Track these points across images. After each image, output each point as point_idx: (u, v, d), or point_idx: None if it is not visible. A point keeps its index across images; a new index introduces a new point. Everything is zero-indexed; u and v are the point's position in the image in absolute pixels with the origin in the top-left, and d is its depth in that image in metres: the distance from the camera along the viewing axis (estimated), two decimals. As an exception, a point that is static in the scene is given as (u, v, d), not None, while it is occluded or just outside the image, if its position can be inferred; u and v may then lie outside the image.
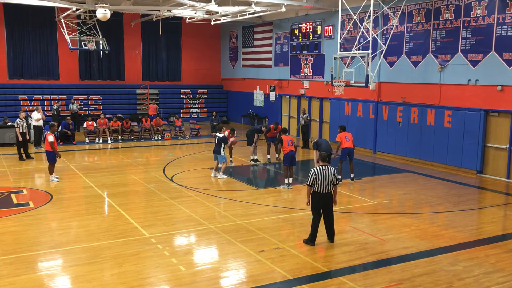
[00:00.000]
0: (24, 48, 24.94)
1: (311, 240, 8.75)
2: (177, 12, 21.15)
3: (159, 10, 21.45)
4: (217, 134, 14.42)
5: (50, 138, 13.46)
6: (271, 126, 16.97)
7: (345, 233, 9.51)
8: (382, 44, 16.89)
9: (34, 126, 19.25)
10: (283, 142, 13.64)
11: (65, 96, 25.51)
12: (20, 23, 24.54)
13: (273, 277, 7.37)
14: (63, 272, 7.66)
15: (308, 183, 8.65)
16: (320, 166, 8.66)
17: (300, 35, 22.67)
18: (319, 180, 8.52)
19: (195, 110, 29.41)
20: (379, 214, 10.87)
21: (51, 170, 13.69)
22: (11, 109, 24.13)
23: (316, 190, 8.60)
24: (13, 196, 12.00)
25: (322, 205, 8.70)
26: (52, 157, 13.56)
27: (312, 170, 8.58)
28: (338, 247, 8.72)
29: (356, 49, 16.33)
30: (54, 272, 7.65)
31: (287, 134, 14.49)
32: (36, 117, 18.96)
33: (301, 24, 22.52)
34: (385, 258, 8.21)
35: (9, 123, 20.01)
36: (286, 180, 13.29)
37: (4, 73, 24.68)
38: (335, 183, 8.70)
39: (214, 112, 25.30)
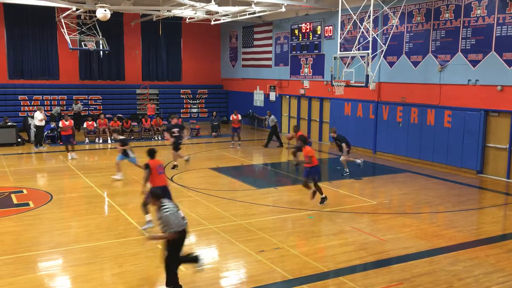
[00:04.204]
0: (24, 48, 24.93)
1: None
2: (177, 12, 21.14)
3: (159, 10, 21.44)
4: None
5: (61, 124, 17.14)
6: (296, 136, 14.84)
7: (345, 233, 9.51)
8: (382, 44, 16.90)
9: (36, 126, 19.25)
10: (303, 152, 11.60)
11: (65, 96, 25.51)
12: (20, 23, 24.53)
13: (273, 277, 7.37)
14: (63, 272, 7.66)
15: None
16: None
17: (300, 35, 22.66)
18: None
19: (195, 110, 29.40)
20: (379, 214, 10.87)
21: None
22: (11, 109, 24.13)
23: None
24: (13, 196, 11.99)
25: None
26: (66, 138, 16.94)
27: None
28: (338, 247, 8.72)
29: (356, 49, 16.33)
30: (54, 272, 7.66)
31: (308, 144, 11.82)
32: (40, 117, 19.01)
33: (301, 24, 22.52)
34: (385, 258, 8.21)
35: (9, 123, 20.01)
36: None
37: (4, 73, 24.67)
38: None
39: (214, 112, 25.29)
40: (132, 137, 22.23)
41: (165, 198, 6.92)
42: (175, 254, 6.71)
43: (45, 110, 21.40)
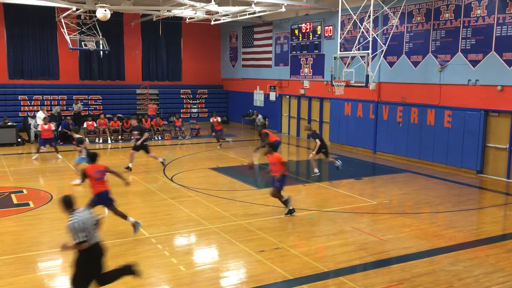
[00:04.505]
0: (24, 48, 24.93)
1: None
2: (177, 12, 21.15)
3: (159, 10, 21.45)
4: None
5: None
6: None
7: (345, 233, 9.51)
8: (382, 44, 16.90)
9: (39, 125, 19.24)
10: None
11: (65, 96, 25.50)
12: (20, 23, 24.53)
13: (273, 277, 7.37)
14: (63, 272, 7.65)
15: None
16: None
17: (300, 35, 22.66)
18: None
19: (195, 110, 29.40)
20: (379, 214, 10.87)
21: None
22: (11, 109, 24.12)
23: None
24: (13, 196, 11.99)
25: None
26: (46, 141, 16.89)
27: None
28: (338, 247, 8.72)
29: (356, 49, 16.34)
30: (54, 272, 7.66)
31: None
32: (42, 117, 18.97)
33: (301, 24, 22.52)
34: (385, 258, 8.21)
35: (9, 123, 20.01)
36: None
37: (4, 73, 24.67)
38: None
39: (214, 112, 25.26)
40: (132, 137, 22.21)
41: (90, 206, 6.45)
42: (81, 274, 5.96)
43: (45, 110, 21.40)
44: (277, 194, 10.52)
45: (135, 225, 9.09)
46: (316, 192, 13.04)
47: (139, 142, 15.03)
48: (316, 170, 14.59)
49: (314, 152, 14.55)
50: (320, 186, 13.75)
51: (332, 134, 21.11)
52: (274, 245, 8.68)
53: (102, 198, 9.00)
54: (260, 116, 21.21)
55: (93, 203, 8.85)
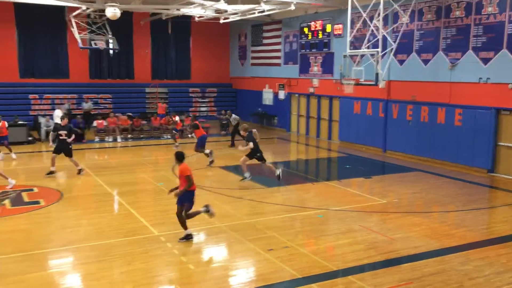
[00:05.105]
0: (35, 47, 25.13)
1: None
2: (186, 10, 21.18)
3: (168, 9, 21.50)
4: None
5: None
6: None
7: (354, 232, 9.47)
8: (392, 42, 16.78)
9: (56, 123, 19.47)
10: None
11: (76, 95, 25.67)
12: (30, 22, 24.71)
13: (282, 276, 7.36)
14: (73, 270, 7.71)
15: None
16: None
17: (310, 33, 22.60)
18: None
19: (204, 109, 29.43)
20: (389, 213, 10.81)
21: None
22: (22, 107, 24.31)
23: None
24: (24, 194, 12.09)
25: None
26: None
27: None
28: (347, 246, 8.68)
29: (365, 47, 16.25)
30: (65, 269, 7.70)
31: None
32: (60, 115, 19.16)
33: (311, 22, 22.45)
34: (394, 258, 8.16)
35: (19, 122, 20.18)
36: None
37: (15, 72, 24.89)
38: None
39: (223, 111, 25.32)
40: (142, 136, 22.34)
41: None
42: None
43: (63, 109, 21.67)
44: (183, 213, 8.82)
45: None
46: (325, 191, 13.00)
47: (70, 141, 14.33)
48: (246, 174, 13.42)
49: (245, 156, 13.48)
50: (329, 184, 13.70)
51: (341, 132, 21.03)
52: (283, 244, 8.67)
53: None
54: (234, 116, 21.53)
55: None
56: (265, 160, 13.70)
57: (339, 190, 12.98)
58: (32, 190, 12.57)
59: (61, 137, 14.25)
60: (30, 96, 24.86)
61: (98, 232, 9.30)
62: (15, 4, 23.00)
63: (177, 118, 20.82)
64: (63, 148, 14.29)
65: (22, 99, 24.70)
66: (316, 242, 8.91)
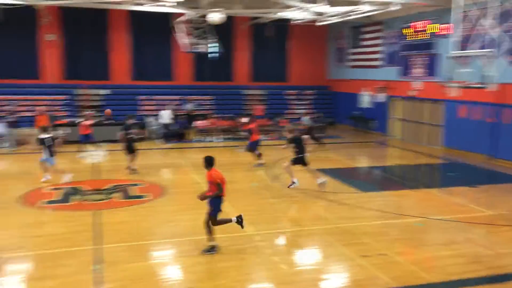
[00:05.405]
0: (145, 52, 27.08)
1: None
2: (285, 14, 21.37)
3: (269, 13, 21.85)
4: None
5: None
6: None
7: (457, 243, 8.92)
8: (504, 42, 15.52)
9: (164, 124, 21.81)
10: None
11: (180, 96, 27.10)
12: (142, 29, 26.65)
13: (376, 283, 7.15)
14: (173, 262, 8.13)
15: None
16: None
17: (412, 34, 21.70)
18: None
19: (301, 111, 29.43)
20: (497, 226, 10.02)
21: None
22: (133, 108, 26.15)
23: None
24: (129, 188, 12.95)
25: None
26: None
27: None
28: (449, 258, 8.20)
29: (474, 48, 15.20)
30: (165, 261, 8.15)
31: None
32: (169, 116, 21.40)
33: (413, 22, 21.53)
34: (502, 273, 7.56)
35: (133, 122, 21.70)
36: None
37: (128, 75, 27.05)
38: None
39: (317, 114, 25.15)
40: (239, 137, 22.93)
41: None
42: None
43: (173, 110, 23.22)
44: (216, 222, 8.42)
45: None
46: (425, 198, 12.39)
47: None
48: (294, 179, 12.66)
49: (289, 161, 12.73)
50: (429, 192, 13.04)
51: (447, 139, 19.87)
52: (378, 251, 8.41)
53: None
54: (305, 118, 21.26)
55: None
56: (307, 164, 12.83)
57: (440, 199, 12.30)
58: (137, 185, 13.38)
59: (128, 136, 14.81)
60: (140, 97, 26.72)
61: (197, 228, 9.68)
62: (131, 12, 24.84)
63: (243, 120, 20.78)
64: (128, 147, 14.75)
65: (132, 100, 26.63)
66: (414, 252, 8.53)
